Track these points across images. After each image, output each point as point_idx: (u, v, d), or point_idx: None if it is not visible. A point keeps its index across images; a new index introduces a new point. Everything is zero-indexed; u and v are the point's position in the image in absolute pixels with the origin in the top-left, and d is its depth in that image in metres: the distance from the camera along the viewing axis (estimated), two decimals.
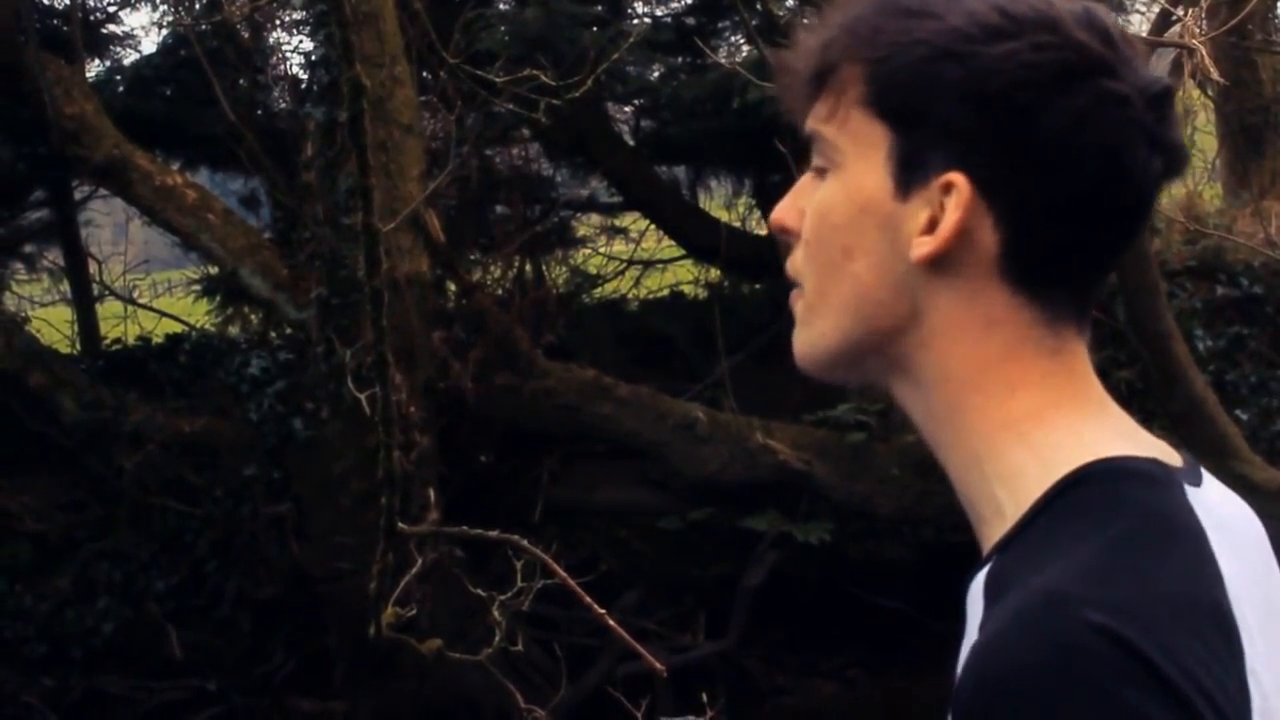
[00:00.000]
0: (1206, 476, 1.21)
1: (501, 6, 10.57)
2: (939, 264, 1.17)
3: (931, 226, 1.17)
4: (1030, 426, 1.17)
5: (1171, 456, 1.19)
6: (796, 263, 1.27)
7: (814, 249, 1.25)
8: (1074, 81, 1.14)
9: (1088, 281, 1.20)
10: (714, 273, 11.95)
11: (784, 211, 1.28)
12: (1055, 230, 1.16)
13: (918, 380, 1.22)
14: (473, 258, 10.86)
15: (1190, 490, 1.16)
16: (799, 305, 1.27)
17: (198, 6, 11.24)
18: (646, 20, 11.52)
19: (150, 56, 11.78)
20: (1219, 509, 1.18)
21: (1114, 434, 1.17)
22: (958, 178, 1.15)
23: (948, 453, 1.22)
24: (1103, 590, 1.01)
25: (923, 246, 1.17)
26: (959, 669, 1.09)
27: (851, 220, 1.21)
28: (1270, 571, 1.18)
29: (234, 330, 11.31)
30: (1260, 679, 1.06)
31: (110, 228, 14.80)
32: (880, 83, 1.19)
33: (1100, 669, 0.98)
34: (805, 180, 1.28)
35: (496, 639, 5.39)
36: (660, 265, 13.12)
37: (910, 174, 1.18)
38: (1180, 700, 0.98)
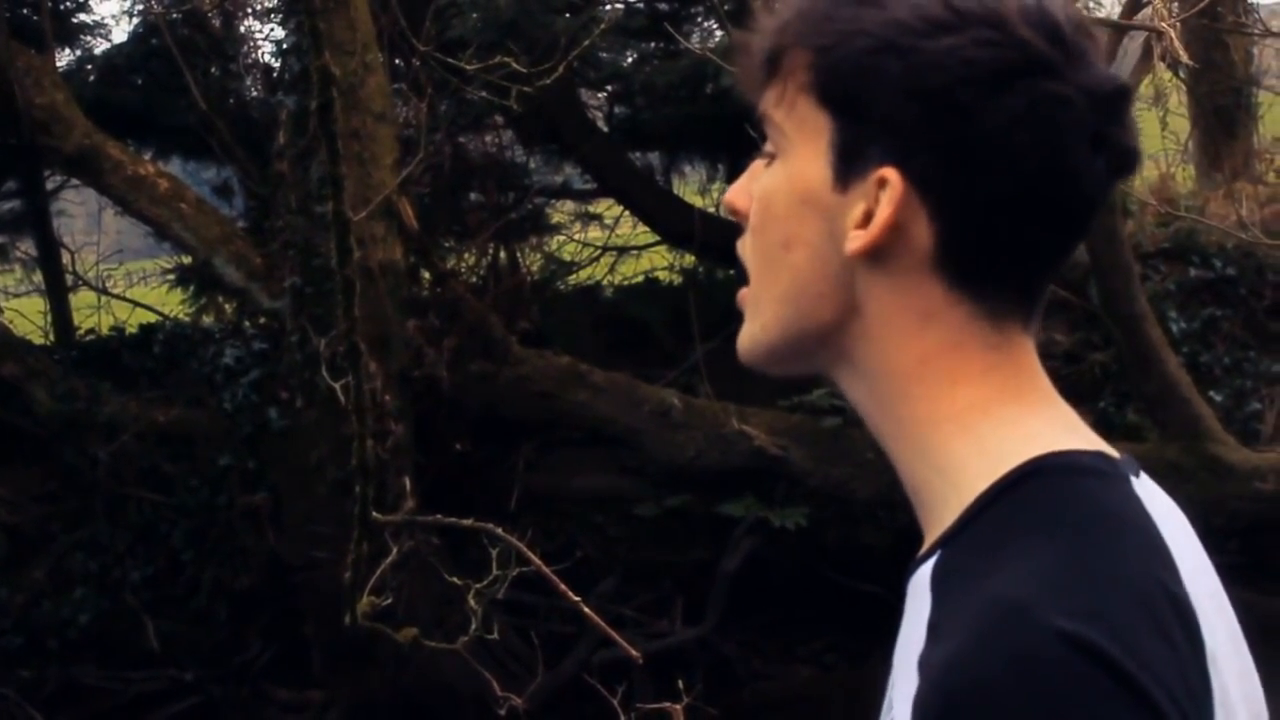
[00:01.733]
0: (1142, 472, 1.20)
1: None
2: (874, 257, 1.17)
3: (867, 220, 1.16)
4: (973, 419, 1.16)
5: (1112, 452, 1.18)
6: (744, 248, 1.27)
7: (757, 236, 1.25)
8: (1014, 81, 1.13)
9: (1030, 278, 1.19)
10: (688, 258, 11.96)
11: (736, 193, 1.28)
12: (991, 228, 1.15)
13: (861, 371, 1.22)
14: (447, 245, 10.85)
15: (1134, 482, 1.16)
16: (745, 301, 1.27)
17: None
18: (619, 6, 11.51)
19: (121, 45, 11.74)
20: (1159, 500, 1.18)
21: (1059, 428, 1.17)
22: (891, 173, 1.14)
23: (891, 443, 1.22)
24: (1066, 595, 1.01)
25: (855, 241, 1.16)
26: (899, 661, 1.09)
27: (792, 210, 1.21)
28: (1205, 561, 1.18)
29: (208, 320, 11.27)
30: (1219, 666, 1.06)
31: (83, 218, 14.74)
32: (824, 71, 1.19)
33: (1069, 679, 0.97)
34: (757, 164, 1.27)
35: (473, 627, 5.40)
36: (635, 251, 13.12)
37: (849, 166, 1.18)
38: (1150, 705, 0.98)
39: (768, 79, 1.24)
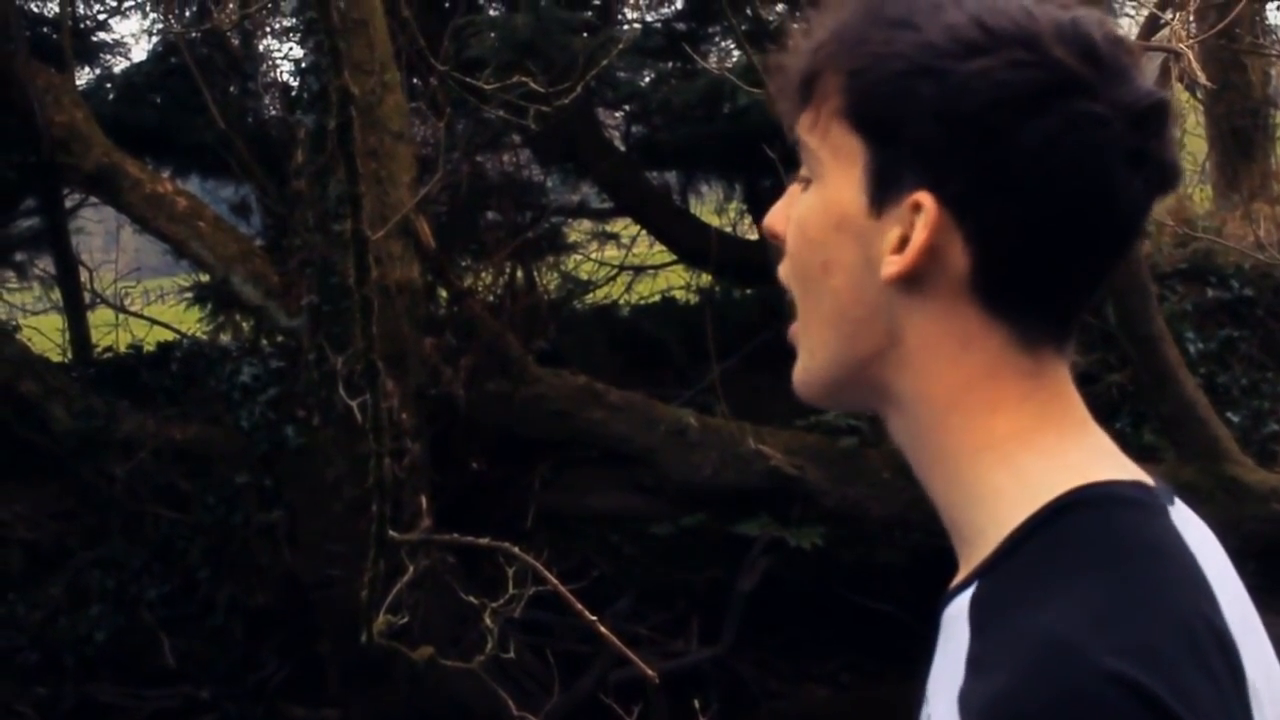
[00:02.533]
0: (1177, 498, 1.20)
1: (491, 13, 10.57)
2: (910, 283, 1.16)
3: (902, 245, 1.15)
4: (1013, 448, 1.15)
5: (1149, 480, 1.17)
6: (784, 272, 1.27)
7: (795, 262, 1.24)
8: (1048, 102, 1.11)
9: (1067, 303, 1.18)
10: (705, 278, 11.94)
11: (775, 218, 1.28)
12: (1028, 252, 1.14)
13: (899, 402, 1.21)
14: (464, 264, 10.86)
15: (1171, 511, 1.15)
16: (795, 336, 1.27)
17: (188, 14, 11.22)
18: (636, 26, 11.52)
19: (140, 64, 11.77)
20: (1195, 527, 1.17)
21: (1097, 456, 1.16)
22: (925, 198, 1.13)
23: (929, 473, 1.21)
24: (1113, 633, 1.00)
25: (891, 266, 1.16)
26: (933, 693, 1.09)
27: (828, 235, 1.20)
28: (1239, 583, 1.18)
29: (225, 338, 11.28)
30: (1259, 695, 1.06)
31: (101, 235, 14.79)
32: (857, 95, 1.18)
33: (1115, 718, 0.97)
34: (794, 188, 1.27)
35: (489, 646, 5.40)
36: (651, 271, 13.11)
37: (884, 191, 1.17)
38: None
39: (803, 103, 1.24)
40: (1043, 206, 1.12)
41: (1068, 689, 0.98)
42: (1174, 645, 1.02)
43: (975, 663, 1.05)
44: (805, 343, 1.25)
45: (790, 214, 1.26)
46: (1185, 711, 0.97)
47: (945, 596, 1.15)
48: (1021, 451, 1.15)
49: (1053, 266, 1.15)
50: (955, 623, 1.11)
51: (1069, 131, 1.11)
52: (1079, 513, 1.10)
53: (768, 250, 1.33)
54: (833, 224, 1.20)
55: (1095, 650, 0.99)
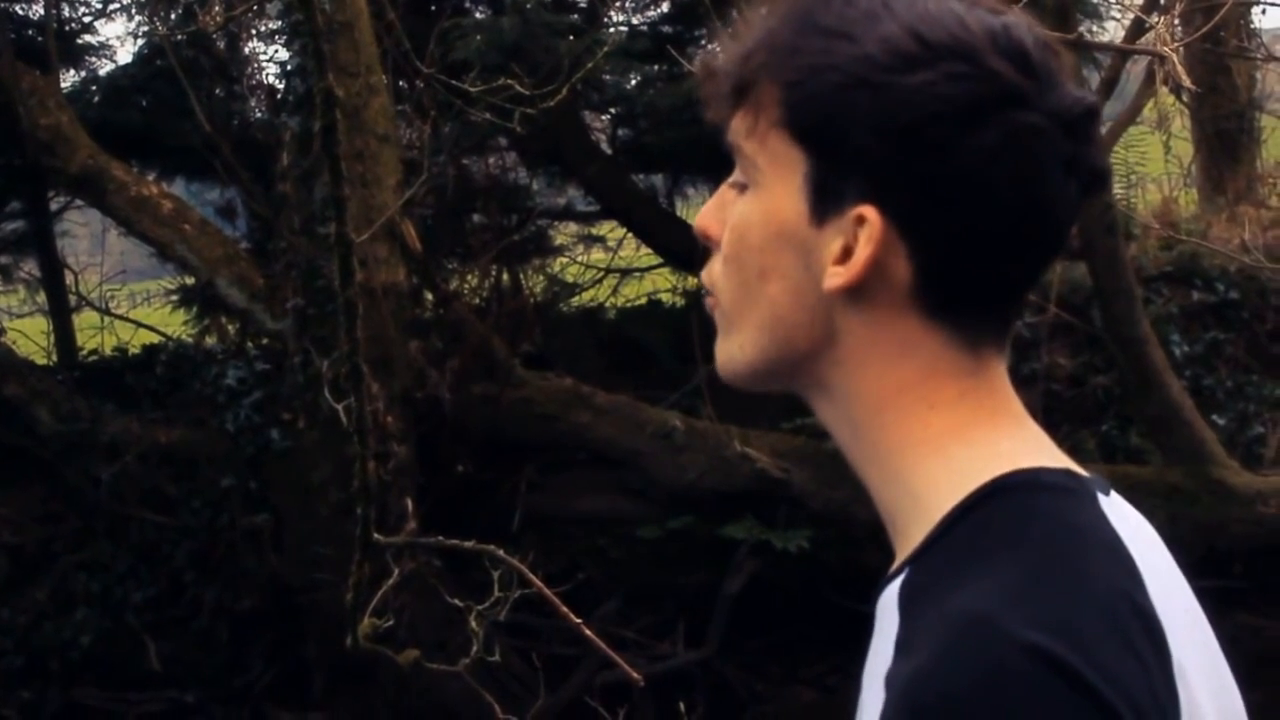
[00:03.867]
0: (1112, 491, 1.21)
1: (477, 16, 10.56)
2: (853, 293, 1.17)
3: (845, 256, 1.17)
4: (947, 441, 1.17)
5: (1079, 469, 1.18)
6: (714, 273, 1.28)
7: (731, 265, 1.25)
8: (987, 114, 1.13)
9: (1006, 305, 1.20)
10: (692, 280, 11.94)
11: (707, 218, 1.29)
12: (968, 261, 1.15)
13: (835, 398, 1.23)
14: (450, 267, 10.86)
15: (1102, 499, 1.16)
16: (717, 316, 1.28)
17: (173, 17, 11.20)
18: (622, 29, 11.52)
19: (126, 67, 11.75)
20: (1129, 516, 1.18)
21: (1028, 447, 1.18)
22: (870, 211, 1.15)
23: (865, 467, 1.22)
24: (1029, 606, 1.01)
25: (835, 278, 1.17)
26: (868, 681, 1.09)
27: (768, 243, 1.21)
28: (1180, 578, 1.18)
29: (211, 340, 11.27)
30: (1187, 676, 1.07)
31: (87, 238, 14.76)
32: (796, 107, 1.18)
33: (1034, 692, 0.98)
34: (727, 191, 1.28)
35: (474, 649, 5.39)
36: (638, 273, 13.13)
37: (825, 202, 1.18)
38: (1112, 716, 0.98)
39: (734, 106, 1.24)
40: (985, 217, 1.14)
41: (984, 661, 0.99)
42: (1092, 619, 1.02)
43: (901, 646, 1.06)
44: (733, 333, 1.27)
45: (723, 217, 1.27)
46: (1103, 683, 0.98)
47: (878, 586, 1.17)
48: (955, 444, 1.17)
49: (993, 273, 1.17)
50: (886, 611, 1.12)
51: (1009, 142, 1.13)
52: (1004, 497, 1.12)
53: None
54: (772, 232, 1.21)
55: (1011, 623, 1.00)
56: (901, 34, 1.15)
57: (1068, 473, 1.16)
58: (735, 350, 1.27)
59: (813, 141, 1.18)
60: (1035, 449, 1.18)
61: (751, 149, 1.23)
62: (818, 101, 1.17)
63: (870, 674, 1.11)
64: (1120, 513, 1.17)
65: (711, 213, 1.29)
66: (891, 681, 1.04)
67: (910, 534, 1.17)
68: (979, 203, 1.13)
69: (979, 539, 1.09)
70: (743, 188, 1.25)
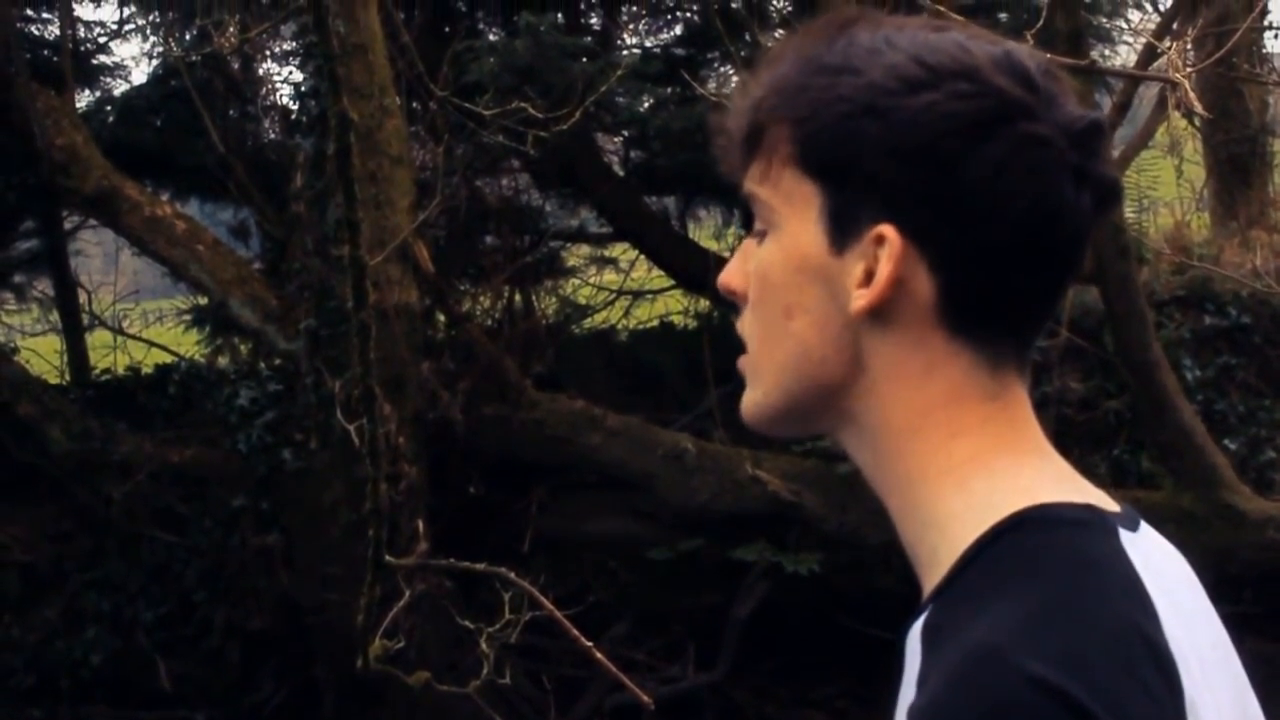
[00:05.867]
0: (1143, 524, 1.21)
1: (491, 38, 10.59)
2: (878, 314, 1.19)
3: (868, 278, 1.18)
4: (969, 472, 1.18)
5: (1108, 503, 1.19)
6: (743, 325, 1.29)
7: (757, 311, 1.27)
8: (994, 128, 1.15)
9: (1027, 323, 1.22)
10: (703, 303, 11.95)
11: (730, 275, 1.31)
12: (988, 275, 1.17)
13: (862, 428, 1.24)
14: (462, 288, 10.86)
15: (1125, 534, 1.16)
16: (746, 368, 1.30)
17: (188, 37, 11.24)
18: (635, 52, 11.55)
19: (140, 87, 11.78)
20: (1154, 553, 1.18)
21: (1052, 479, 1.18)
22: (888, 229, 1.16)
23: (889, 499, 1.24)
24: (1037, 640, 1.02)
25: (860, 299, 1.18)
26: (897, 715, 1.10)
27: (790, 279, 1.23)
28: (1208, 613, 1.18)
29: (223, 361, 11.28)
30: (1199, 712, 1.06)
31: (100, 257, 14.78)
32: (805, 142, 1.21)
33: None
34: (749, 243, 1.30)
35: (485, 670, 5.39)
36: (650, 295, 13.12)
37: (843, 229, 1.20)
38: None
39: (749, 158, 1.27)
40: (999, 229, 1.16)
41: (991, 693, 0.99)
42: (1103, 654, 1.03)
43: (922, 680, 1.07)
44: (759, 380, 1.28)
45: (746, 269, 1.28)
46: (1107, 716, 0.98)
47: (905, 624, 1.16)
48: (976, 475, 1.18)
49: (1012, 288, 1.18)
50: (912, 648, 1.12)
51: (1017, 154, 1.15)
52: (1022, 532, 1.12)
53: None
54: (794, 267, 1.23)
55: (1019, 655, 1.00)
56: (905, 61, 1.18)
57: (1086, 507, 1.16)
58: (760, 397, 1.28)
59: (826, 172, 1.20)
60: (1055, 481, 1.18)
61: (766, 193, 1.25)
62: (827, 133, 1.19)
63: (899, 711, 1.11)
64: (1146, 547, 1.17)
65: (734, 268, 1.31)
66: (911, 716, 1.04)
67: (932, 569, 1.17)
68: (992, 214, 1.15)
69: (994, 574, 1.10)
70: (762, 236, 1.27)
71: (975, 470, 1.17)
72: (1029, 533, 1.12)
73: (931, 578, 1.17)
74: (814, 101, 1.20)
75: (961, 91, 1.16)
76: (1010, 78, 1.17)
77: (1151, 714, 1.02)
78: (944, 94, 1.15)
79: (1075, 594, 1.07)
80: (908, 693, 1.08)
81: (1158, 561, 1.18)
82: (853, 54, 1.20)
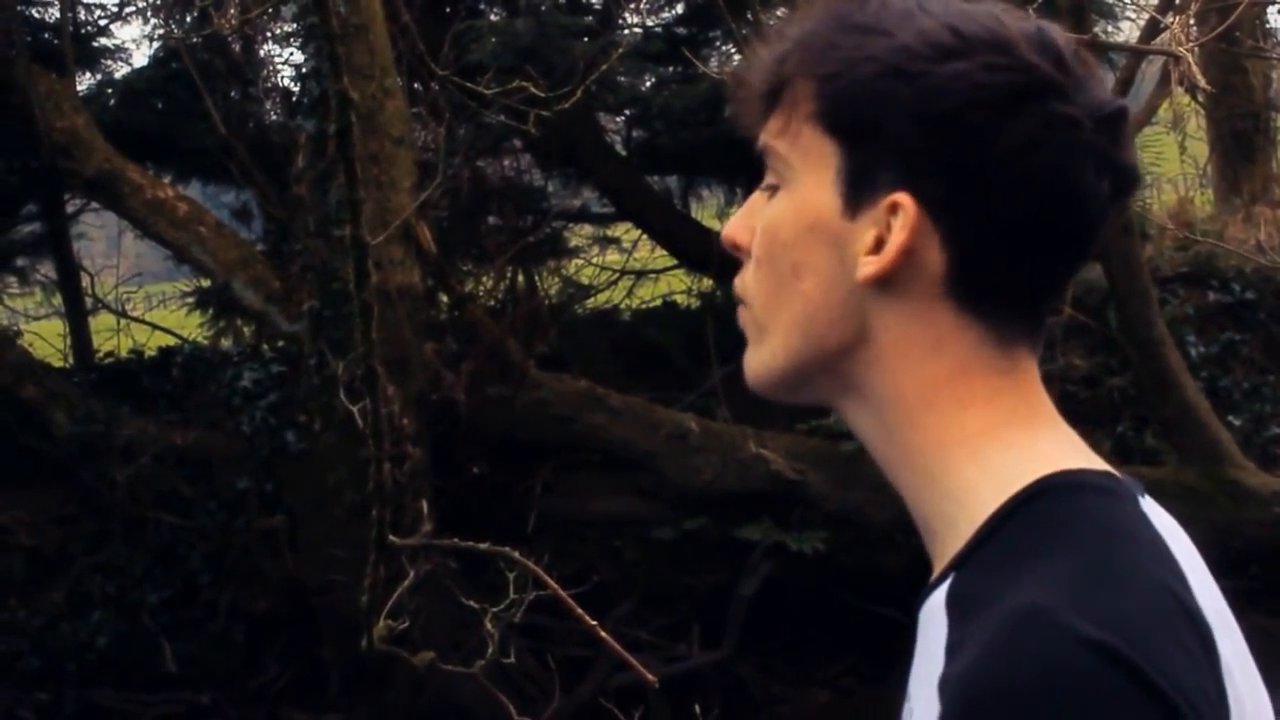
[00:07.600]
0: (1148, 497, 1.20)
1: (492, 18, 10.57)
2: (885, 283, 1.17)
3: (878, 246, 1.17)
4: (983, 443, 1.17)
5: (1115, 472, 1.18)
6: (746, 280, 1.28)
7: (764, 267, 1.25)
8: (1024, 103, 1.14)
9: (1037, 301, 1.20)
10: (706, 282, 11.94)
11: (735, 228, 1.29)
12: (1003, 252, 1.16)
13: (867, 399, 1.22)
14: (464, 269, 10.85)
15: (1140, 501, 1.16)
16: (748, 323, 1.28)
17: (189, 20, 11.23)
18: (637, 30, 11.52)
19: (141, 70, 11.77)
20: (1164, 520, 1.18)
21: (1065, 449, 1.17)
22: (904, 198, 1.15)
23: (899, 471, 1.22)
24: (1085, 602, 1.01)
25: (868, 266, 1.17)
26: (915, 690, 1.09)
27: (800, 238, 1.21)
28: (1210, 578, 1.18)
29: (226, 343, 11.29)
30: (1234, 678, 1.07)
31: (103, 241, 14.79)
32: (831, 99, 1.19)
33: (1093, 685, 0.97)
34: (757, 197, 1.28)
35: (490, 650, 5.39)
36: (653, 275, 13.12)
37: (858, 192, 1.18)
38: (1172, 711, 0.98)
39: (768, 111, 1.25)
40: (1020, 206, 1.14)
41: (1043, 655, 0.98)
42: (1148, 616, 1.02)
43: (953, 649, 1.05)
44: (765, 339, 1.26)
45: (752, 224, 1.27)
46: (1161, 679, 0.98)
47: (921, 594, 1.15)
48: (992, 446, 1.17)
49: (1025, 266, 1.17)
50: (933, 617, 1.11)
51: (1046, 132, 1.14)
52: (1049, 498, 1.11)
53: None
54: (805, 226, 1.21)
55: (1070, 617, 0.99)
56: (938, 28, 1.16)
57: (1108, 474, 1.16)
58: (766, 356, 1.26)
59: (847, 132, 1.19)
60: (1071, 450, 1.18)
61: (784, 147, 1.23)
62: (853, 91, 1.18)
63: (918, 682, 1.10)
64: (1157, 516, 1.17)
65: (740, 221, 1.29)
66: (945, 685, 1.03)
67: (949, 539, 1.16)
68: (1014, 190, 1.14)
69: (1029, 539, 1.08)
70: (773, 190, 1.25)
71: (989, 441, 1.16)
72: (1057, 498, 1.11)
73: (948, 549, 1.16)
74: (842, 60, 1.18)
75: (994, 64, 1.14)
76: (1043, 55, 1.15)
77: (1197, 676, 1.01)
78: (976, 64, 1.14)
79: (1116, 558, 1.06)
80: (930, 664, 1.07)
81: (1170, 526, 1.18)
82: (885, 16, 1.18)
